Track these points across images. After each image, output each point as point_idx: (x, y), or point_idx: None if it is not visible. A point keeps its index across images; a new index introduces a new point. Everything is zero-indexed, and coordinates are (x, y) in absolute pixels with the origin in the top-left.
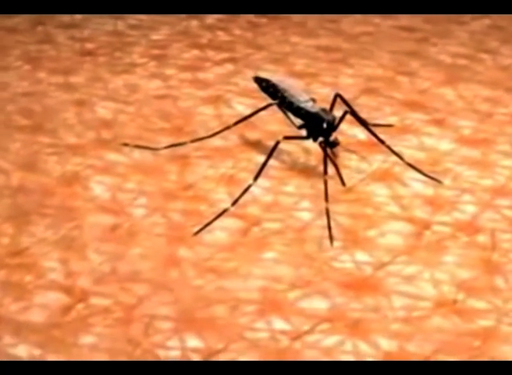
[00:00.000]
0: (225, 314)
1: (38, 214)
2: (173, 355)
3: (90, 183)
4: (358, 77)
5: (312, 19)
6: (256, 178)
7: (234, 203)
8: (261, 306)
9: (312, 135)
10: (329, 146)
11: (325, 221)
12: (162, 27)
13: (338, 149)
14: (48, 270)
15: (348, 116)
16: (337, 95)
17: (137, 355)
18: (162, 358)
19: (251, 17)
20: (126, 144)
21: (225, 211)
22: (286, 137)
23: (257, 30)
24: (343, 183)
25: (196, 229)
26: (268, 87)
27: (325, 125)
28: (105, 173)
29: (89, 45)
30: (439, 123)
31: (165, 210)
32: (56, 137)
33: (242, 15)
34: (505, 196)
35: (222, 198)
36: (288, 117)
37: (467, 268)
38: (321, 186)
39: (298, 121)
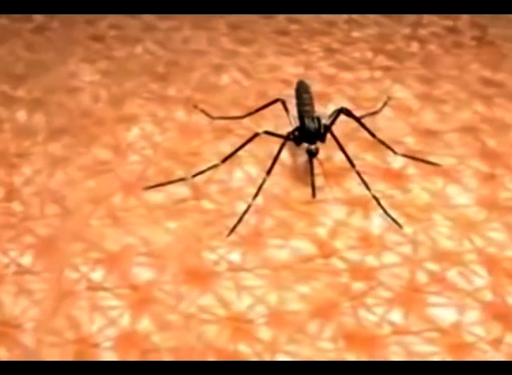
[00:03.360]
0: (69, 251)
1: (71, 135)
2: None
3: (133, 127)
4: (476, 115)
5: None
6: (224, 160)
7: (194, 176)
8: (103, 257)
9: (298, 138)
10: (308, 153)
11: (252, 216)
12: (388, 24)
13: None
14: (14, 175)
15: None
16: (342, 109)
17: None
18: None
19: (468, 39)
20: (195, 107)
21: (181, 179)
22: (266, 132)
23: (454, 51)
24: (313, 195)
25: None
26: (298, 88)
27: (295, 131)
28: (155, 123)
29: (293, 27)
30: (487, 178)
31: (153, 164)
32: (165, 89)
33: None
34: (441, 262)
35: (207, 172)
36: (288, 117)
37: (305, 302)
38: (294, 189)
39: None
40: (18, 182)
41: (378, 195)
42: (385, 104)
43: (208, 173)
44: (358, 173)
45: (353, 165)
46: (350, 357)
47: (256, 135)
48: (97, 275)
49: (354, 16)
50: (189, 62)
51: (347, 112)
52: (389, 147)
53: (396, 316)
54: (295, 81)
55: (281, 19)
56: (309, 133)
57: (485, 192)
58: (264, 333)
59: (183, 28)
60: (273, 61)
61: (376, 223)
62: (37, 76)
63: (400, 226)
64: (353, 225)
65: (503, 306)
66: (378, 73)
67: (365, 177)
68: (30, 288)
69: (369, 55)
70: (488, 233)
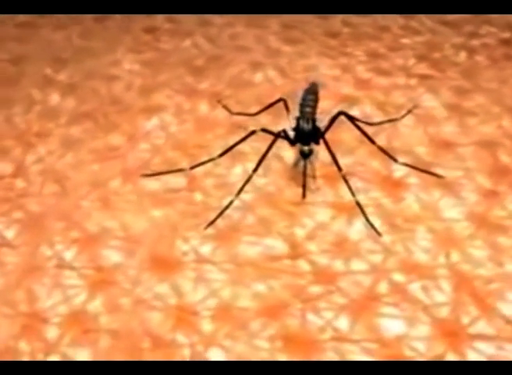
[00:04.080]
0: (52, 229)
1: (94, 120)
2: None
3: (153, 117)
4: (499, 130)
5: None
6: (221, 155)
7: (192, 168)
8: (81, 237)
9: (294, 138)
10: (300, 154)
11: (237, 212)
12: (443, 32)
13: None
14: (29, 153)
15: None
16: (341, 113)
17: None
18: None
19: None
20: (218, 101)
21: (179, 170)
22: (263, 130)
23: (501, 63)
24: (304, 196)
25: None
26: (306, 89)
27: (289, 130)
28: (174, 115)
29: (345, 29)
30: (488, 194)
31: (161, 153)
32: (198, 82)
33: None
34: (409, 274)
35: (209, 165)
36: (288, 117)
37: (257, 300)
38: (287, 189)
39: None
40: (29, 160)
41: (369, 202)
42: (408, 112)
43: (208, 167)
44: (344, 178)
45: (340, 169)
46: (282, 358)
47: (253, 133)
48: (70, 254)
49: (412, 23)
50: (230, 58)
51: (347, 116)
52: (389, 155)
53: (343, 322)
54: (326, 82)
55: (336, 20)
56: (302, 134)
57: (479, 208)
58: (206, 326)
59: (235, 25)
60: (313, 62)
61: (356, 229)
62: (81, 62)
63: (379, 234)
64: (333, 229)
65: (455, 324)
66: (413, 81)
67: (363, 183)
68: (2, 260)
69: (411, 62)
70: (468, 249)
